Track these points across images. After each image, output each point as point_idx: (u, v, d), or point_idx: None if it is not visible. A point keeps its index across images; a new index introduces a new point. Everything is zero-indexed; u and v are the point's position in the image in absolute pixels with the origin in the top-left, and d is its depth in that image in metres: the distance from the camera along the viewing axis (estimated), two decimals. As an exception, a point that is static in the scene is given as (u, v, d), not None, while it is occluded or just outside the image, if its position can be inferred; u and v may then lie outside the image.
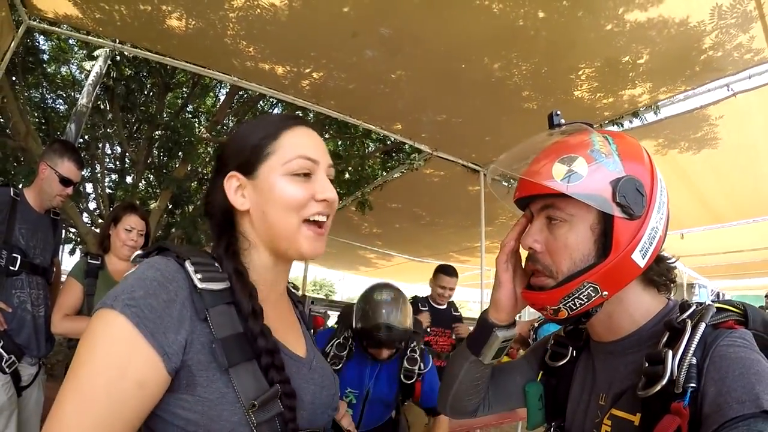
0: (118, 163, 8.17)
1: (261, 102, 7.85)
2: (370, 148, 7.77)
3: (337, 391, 1.08)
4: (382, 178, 6.96)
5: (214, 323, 0.81)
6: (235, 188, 0.94)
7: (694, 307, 0.89)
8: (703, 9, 2.71)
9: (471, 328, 1.20)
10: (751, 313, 0.89)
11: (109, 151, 7.95)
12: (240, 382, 0.79)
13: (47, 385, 2.81)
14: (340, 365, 2.48)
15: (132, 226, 2.79)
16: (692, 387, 0.77)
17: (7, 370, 2.44)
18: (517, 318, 1.13)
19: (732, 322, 0.86)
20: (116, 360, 0.73)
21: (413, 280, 15.92)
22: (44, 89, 7.14)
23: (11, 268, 2.50)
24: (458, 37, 3.16)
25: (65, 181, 2.66)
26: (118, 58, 5.89)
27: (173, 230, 7.26)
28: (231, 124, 8.20)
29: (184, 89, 7.84)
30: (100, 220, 6.86)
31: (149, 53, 3.84)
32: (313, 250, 0.94)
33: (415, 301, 4.58)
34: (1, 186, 2.67)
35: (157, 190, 7.54)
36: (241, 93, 7.22)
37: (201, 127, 7.41)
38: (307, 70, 3.81)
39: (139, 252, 0.91)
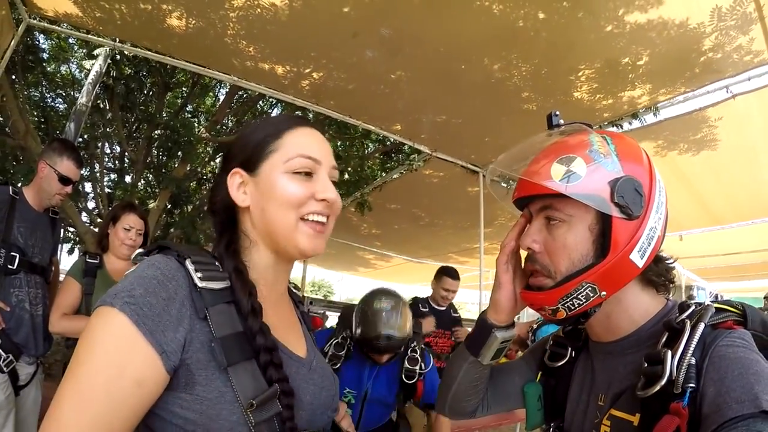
0: (117, 162, 8.17)
1: (260, 102, 7.86)
2: (369, 149, 7.78)
3: (336, 392, 1.08)
4: (382, 178, 6.96)
5: (214, 322, 0.81)
6: (237, 185, 0.95)
7: (693, 307, 0.88)
8: (702, 11, 2.71)
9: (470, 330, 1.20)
10: (750, 313, 0.88)
11: (108, 151, 7.95)
12: (239, 381, 0.79)
13: (45, 384, 2.80)
14: (339, 365, 2.48)
15: (131, 225, 2.79)
16: (691, 387, 0.77)
17: (4, 369, 2.44)
18: (516, 319, 1.13)
19: (731, 323, 0.86)
20: (115, 358, 0.73)
21: (412, 281, 15.91)
22: (44, 88, 7.14)
23: (10, 266, 2.49)
24: (458, 38, 3.16)
25: (64, 180, 2.65)
26: (118, 57, 5.89)
27: (172, 230, 7.26)
28: (230, 124, 8.21)
29: (183, 89, 7.85)
30: (98, 220, 6.85)
31: (149, 52, 3.84)
32: (313, 247, 0.94)
33: (416, 302, 4.58)
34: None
35: (156, 190, 7.55)
36: (240, 93, 7.23)
37: (200, 127, 7.42)
38: (307, 70, 3.81)
39: (140, 250, 0.92)
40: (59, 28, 4.03)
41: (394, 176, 6.55)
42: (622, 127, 4.19)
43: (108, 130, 7.05)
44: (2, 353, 2.44)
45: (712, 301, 0.93)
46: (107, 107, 6.81)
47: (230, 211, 0.98)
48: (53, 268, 2.86)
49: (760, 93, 3.42)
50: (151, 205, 6.75)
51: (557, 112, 1.02)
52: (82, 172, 2.88)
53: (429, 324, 4.26)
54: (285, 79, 3.97)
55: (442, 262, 10.11)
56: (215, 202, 0.98)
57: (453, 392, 1.21)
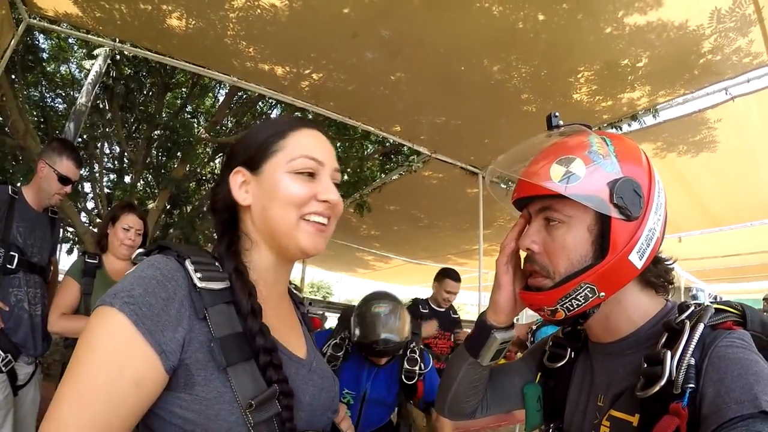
0: (116, 162, 8.16)
1: (260, 103, 7.86)
2: (368, 150, 7.78)
3: (337, 393, 1.08)
4: (381, 180, 6.97)
5: (213, 322, 0.81)
6: (239, 183, 0.95)
7: (692, 308, 0.89)
8: (702, 12, 2.72)
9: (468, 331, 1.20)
10: (750, 314, 0.89)
11: (107, 151, 7.94)
12: (238, 381, 0.79)
13: (43, 384, 2.80)
14: (337, 365, 2.48)
15: (130, 225, 2.78)
16: (691, 387, 0.77)
17: (3, 368, 2.43)
18: (515, 320, 1.13)
19: (730, 323, 0.86)
20: (114, 358, 0.73)
21: (411, 282, 15.93)
22: (43, 88, 7.13)
23: (9, 266, 2.49)
24: (458, 40, 3.16)
25: (64, 180, 2.65)
26: (118, 57, 5.90)
27: (171, 230, 7.26)
28: (230, 125, 8.21)
29: (183, 89, 7.85)
30: (98, 220, 6.85)
31: (149, 53, 3.84)
32: (314, 246, 0.94)
33: (416, 303, 4.59)
34: None
35: (156, 190, 7.54)
36: (240, 94, 7.23)
37: (200, 128, 7.42)
38: (307, 71, 3.81)
39: (140, 250, 0.92)
40: (59, 28, 4.04)
41: (394, 177, 6.55)
42: (621, 129, 4.20)
43: (107, 130, 7.05)
44: (1, 353, 2.43)
45: (711, 302, 0.93)
46: (107, 107, 6.81)
47: (231, 210, 0.98)
48: (52, 268, 2.86)
49: (759, 95, 3.43)
50: (151, 205, 6.74)
51: (557, 114, 1.02)
52: (81, 172, 2.88)
53: (431, 327, 4.27)
54: (285, 80, 3.97)
55: (441, 264, 10.11)
56: (217, 200, 0.99)
57: (452, 393, 1.21)
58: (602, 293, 0.90)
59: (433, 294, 4.61)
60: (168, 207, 7.32)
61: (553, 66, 3.40)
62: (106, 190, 7.39)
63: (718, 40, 2.90)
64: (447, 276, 4.49)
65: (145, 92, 7.24)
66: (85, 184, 7.20)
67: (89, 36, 3.89)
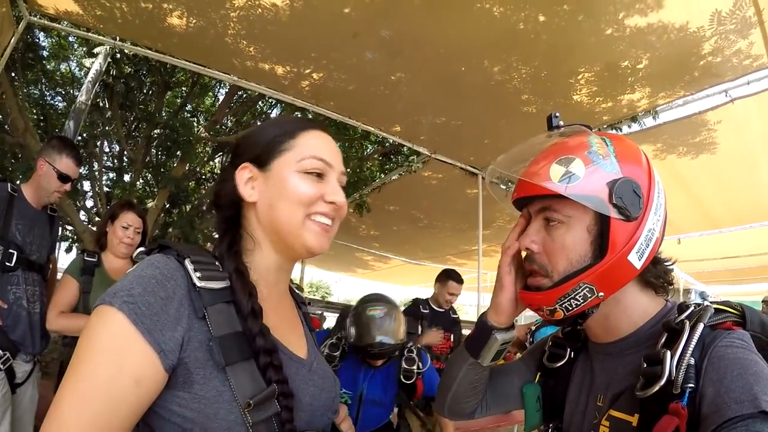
0: (116, 161, 8.15)
1: (260, 102, 7.85)
2: (368, 150, 7.78)
3: (337, 393, 1.07)
4: (381, 180, 6.97)
5: (212, 321, 0.81)
6: (245, 179, 0.95)
7: (692, 308, 0.89)
8: (702, 14, 2.72)
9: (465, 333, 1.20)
10: (749, 314, 0.89)
11: (107, 149, 7.92)
12: (237, 380, 0.79)
13: (41, 382, 2.79)
14: (337, 366, 2.49)
15: (129, 223, 2.78)
16: (690, 387, 0.77)
17: (1, 366, 2.43)
18: (514, 321, 1.13)
19: (730, 323, 0.87)
20: (114, 357, 0.73)
21: (410, 282, 15.93)
22: (43, 86, 7.12)
23: (7, 264, 2.49)
24: (458, 40, 3.16)
25: (63, 178, 2.65)
26: (118, 55, 5.89)
27: (170, 229, 7.25)
28: (230, 124, 8.20)
29: (183, 88, 7.85)
30: (97, 218, 6.84)
31: (149, 51, 3.84)
32: (319, 245, 0.94)
33: (416, 303, 4.61)
34: None
35: (155, 189, 7.53)
36: (240, 93, 7.23)
37: (200, 127, 7.41)
38: (307, 71, 3.81)
39: (141, 249, 0.92)
40: (59, 26, 4.03)
41: (393, 178, 6.55)
42: (621, 131, 4.20)
43: (107, 128, 7.03)
44: (-1, 351, 2.44)
45: (703, 299, 0.94)
46: (107, 106, 6.81)
47: (235, 206, 0.98)
48: (51, 266, 2.86)
49: (759, 97, 3.43)
50: (150, 204, 6.74)
51: (557, 114, 1.03)
52: (80, 170, 2.88)
53: (435, 337, 4.27)
54: (285, 80, 3.97)
55: (441, 264, 10.11)
56: (221, 196, 0.98)
57: (452, 393, 1.21)
58: (601, 293, 0.90)
59: (435, 294, 4.61)
60: (167, 206, 7.32)
61: (553, 67, 3.41)
62: (106, 189, 7.38)
63: (719, 42, 2.90)
64: (450, 278, 4.50)
65: (145, 91, 7.23)
66: (84, 182, 7.20)
67: (89, 34, 3.89)
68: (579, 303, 0.91)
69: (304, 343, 1.05)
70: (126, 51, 4.84)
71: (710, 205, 5.79)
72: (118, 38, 3.86)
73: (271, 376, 0.83)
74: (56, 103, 7.39)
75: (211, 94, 8.73)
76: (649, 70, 3.27)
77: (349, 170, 6.79)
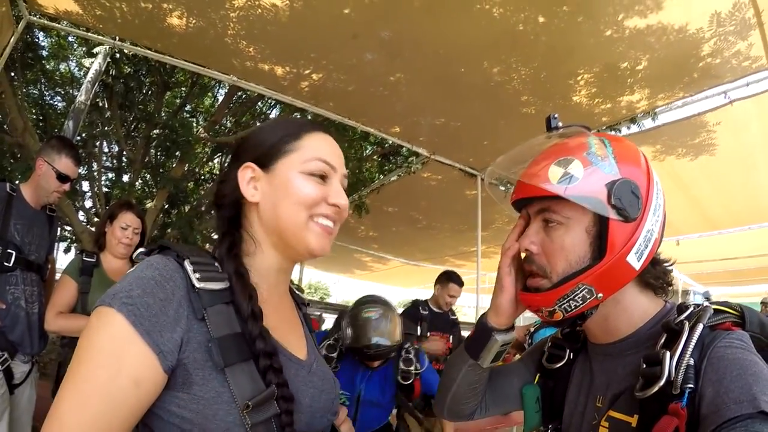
0: (115, 161, 8.14)
1: (259, 103, 7.84)
2: (367, 151, 7.77)
3: (337, 395, 1.07)
4: (380, 181, 6.97)
5: (211, 322, 0.81)
6: (248, 179, 0.95)
7: (691, 308, 0.89)
8: (702, 16, 2.73)
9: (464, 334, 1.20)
10: (748, 315, 0.89)
11: (106, 149, 7.91)
12: (236, 382, 0.79)
13: (39, 383, 2.79)
14: (337, 367, 2.49)
15: (127, 223, 2.78)
16: (690, 388, 0.77)
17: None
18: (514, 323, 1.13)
19: (729, 324, 0.87)
20: (113, 358, 0.73)
21: (408, 284, 15.92)
22: (43, 86, 7.11)
23: (6, 264, 2.48)
24: (458, 41, 3.17)
25: (62, 177, 2.64)
26: (118, 55, 5.88)
27: (169, 230, 7.24)
28: (229, 125, 8.19)
29: (182, 88, 7.84)
30: (95, 219, 6.83)
31: (149, 51, 3.84)
32: (321, 247, 0.94)
33: (416, 304, 4.60)
34: None
35: (154, 190, 7.52)
36: (239, 93, 7.22)
37: (199, 127, 7.40)
38: (307, 71, 3.81)
39: (142, 250, 0.91)
40: (59, 26, 4.03)
41: (392, 179, 6.56)
42: (620, 132, 4.21)
43: (106, 128, 7.02)
44: (-3, 351, 2.43)
45: (706, 298, 0.94)
46: (106, 106, 6.80)
47: (236, 206, 0.98)
48: (49, 266, 2.86)
49: (758, 99, 3.44)
50: (149, 204, 6.73)
51: (556, 115, 1.03)
52: (79, 170, 2.87)
53: (438, 345, 4.27)
54: (284, 80, 3.97)
55: (439, 265, 10.11)
56: (223, 195, 0.98)
57: (452, 394, 1.21)
58: (600, 294, 0.90)
59: (435, 296, 4.61)
60: (166, 206, 7.30)
61: (552, 68, 3.41)
62: (105, 189, 7.36)
63: (718, 43, 2.91)
64: (451, 280, 4.49)
65: (144, 91, 7.23)
66: (83, 182, 7.19)
67: (89, 34, 3.89)
68: (578, 304, 0.91)
69: (304, 344, 1.04)
70: (125, 51, 4.84)
71: (709, 206, 5.80)
72: (117, 38, 3.86)
73: (271, 379, 0.83)
74: (55, 102, 7.38)
75: (210, 94, 8.73)
76: (648, 72, 3.28)
77: (348, 171, 6.78)
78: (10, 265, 2.50)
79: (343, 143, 6.99)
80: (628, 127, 4.19)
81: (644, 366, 0.85)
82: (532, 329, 3.64)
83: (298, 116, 5.66)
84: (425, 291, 11.87)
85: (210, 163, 8.73)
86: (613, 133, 4.09)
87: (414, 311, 4.50)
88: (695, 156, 4.43)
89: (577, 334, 1.14)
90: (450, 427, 2.87)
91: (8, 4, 3.12)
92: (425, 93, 3.95)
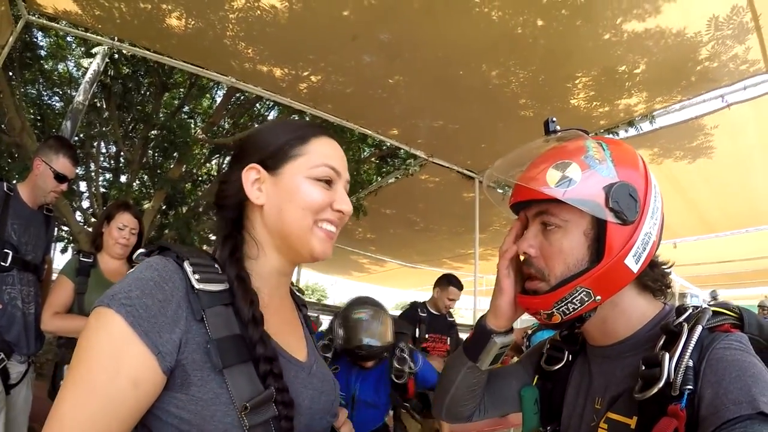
0: (112, 161, 8.12)
1: (258, 104, 7.84)
2: (365, 153, 7.77)
3: (337, 397, 1.07)
4: (377, 183, 6.97)
5: (210, 324, 0.81)
6: (252, 180, 0.94)
7: (690, 310, 0.89)
8: (700, 20, 2.74)
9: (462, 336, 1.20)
10: (747, 316, 0.90)
11: (103, 150, 7.89)
12: (234, 383, 0.79)
13: (36, 383, 2.78)
14: (334, 368, 2.49)
15: (125, 224, 2.77)
16: (689, 389, 0.77)
17: (-4, 367, 2.42)
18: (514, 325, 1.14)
19: (728, 326, 0.87)
20: (111, 359, 0.73)
21: (406, 285, 15.90)
22: (41, 85, 7.10)
23: (2, 263, 2.47)
24: (457, 44, 3.17)
25: (60, 177, 2.63)
26: (116, 56, 5.88)
27: (166, 231, 7.22)
28: (227, 126, 8.19)
29: (181, 89, 7.82)
30: (93, 219, 6.81)
31: (147, 52, 3.83)
32: (323, 251, 0.95)
33: (414, 306, 4.61)
34: None
35: (152, 191, 7.51)
36: (238, 95, 7.21)
37: (197, 128, 7.39)
38: (305, 73, 3.81)
39: (141, 251, 0.91)
40: (58, 26, 4.02)
41: (390, 181, 6.56)
42: (618, 135, 4.22)
43: (104, 129, 7.00)
44: (-7, 351, 2.43)
45: (710, 304, 0.94)
46: (104, 106, 6.79)
47: (239, 207, 0.97)
48: (46, 266, 2.85)
49: (756, 102, 3.45)
50: (146, 205, 6.71)
51: (554, 119, 1.03)
52: (77, 170, 2.87)
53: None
54: (283, 82, 3.97)
55: (437, 268, 10.12)
56: (226, 196, 0.97)
57: (451, 396, 1.21)
58: (598, 297, 0.90)
59: (433, 299, 4.60)
60: (164, 207, 7.28)
61: (551, 71, 3.42)
62: (102, 190, 7.34)
63: (716, 47, 2.92)
64: (451, 283, 4.50)
65: (142, 92, 7.21)
66: (80, 183, 7.17)
67: (88, 34, 3.88)
68: (576, 307, 0.92)
69: (303, 346, 1.04)
70: (124, 51, 4.85)
71: (706, 209, 5.81)
72: (116, 38, 3.85)
73: (271, 384, 0.82)
74: (53, 103, 7.37)
75: (208, 95, 8.72)
76: (646, 75, 3.29)
77: (347, 174, 6.77)
78: (7, 264, 2.49)
79: (341, 145, 6.98)
80: (626, 131, 4.20)
81: (643, 368, 0.85)
82: (529, 331, 3.64)
83: (296, 117, 5.66)
84: (422, 293, 11.87)
85: (208, 165, 8.72)
86: (610, 136, 4.10)
87: (412, 313, 4.50)
88: (693, 159, 4.45)
89: (575, 337, 1.14)
90: (447, 428, 2.87)
91: (7, 3, 3.11)
92: (424, 95, 3.95)
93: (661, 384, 0.79)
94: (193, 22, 3.24)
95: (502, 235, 1.08)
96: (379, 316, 2.50)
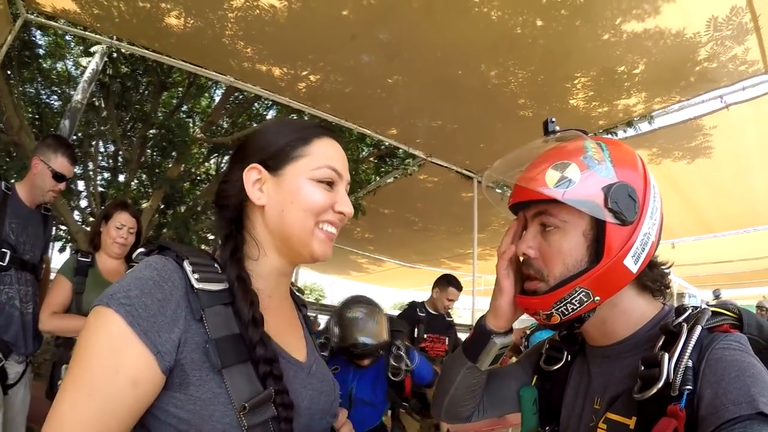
0: (110, 161, 8.09)
1: (256, 104, 7.83)
2: (363, 153, 7.77)
3: (337, 397, 1.07)
4: (376, 183, 6.96)
5: (209, 323, 0.81)
6: (253, 181, 0.94)
7: (689, 311, 0.89)
8: (699, 20, 2.74)
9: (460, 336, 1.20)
10: (746, 317, 0.90)
11: (102, 149, 7.87)
12: (233, 383, 0.78)
13: (33, 383, 2.77)
14: (333, 369, 2.50)
15: (122, 223, 2.76)
16: (688, 389, 0.77)
17: (-7, 367, 2.42)
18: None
19: (727, 326, 0.87)
20: (110, 358, 0.73)
21: (404, 285, 15.91)
22: (39, 84, 7.08)
23: (0, 263, 2.47)
24: (456, 44, 3.17)
25: (58, 176, 2.63)
26: (115, 55, 5.86)
27: (165, 230, 7.21)
28: (225, 126, 8.18)
29: (179, 89, 7.81)
30: (91, 219, 6.80)
31: (146, 51, 3.83)
32: (324, 253, 0.95)
33: (413, 306, 4.61)
34: None
35: (150, 190, 7.49)
36: (236, 94, 7.20)
37: (195, 128, 7.38)
38: (304, 73, 3.81)
39: (141, 250, 0.91)
40: (56, 24, 4.02)
41: (389, 181, 6.56)
42: (616, 135, 4.23)
43: (102, 128, 6.99)
44: (-9, 351, 2.42)
45: (709, 304, 0.94)
46: (102, 105, 6.76)
47: (239, 207, 0.97)
48: (44, 266, 2.84)
49: (755, 103, 3.46)
50: (144, 204, 6.70)
51: (553, 119, 1.03)
52: (75, 169, 2.86)
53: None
54: (282, 81, 3.97)
55: (435, 268, 10.12)
56: (228, 196, 0.97)
57: (450, 397, 1.21)
58: (597, 297, 0.90)
59: (432, 299, 4.60)
60: (162, 207, 7.27)
61: (550, 72, 3.42)
62: (100, 189, 7.33)
63: (715, 48, 2.92)
64: (450, 284, 4.49)
65: (141, 91, 7.19)
66: (78, 182, 7.15)
67: (86, 33, 3.87)
68: (575, 307, 0.92)
69: (303, 346, 1.04)
70: (123, 50, 4.83)
71: (705, 209, 5.82)
72: (115, 37, 3.85)
73: (271, 385, 0.82)
74: (52, 101, 7.35)
75: (207, 95, 8.70)
76: (645, 76, 3.29)
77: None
78: (5, 264, 2.49)
79: (340, 145, 7.00)
80: (625, 131, 4.21)
81: (642, 368, 0.85)
82: (528, 331, 3.64)
83: (294, 117, 5.66)
84: (421, 293, 11.88)
85: (206, 164, 8.70)
86: (609, 136, 4.10)
87: (411, 313, 4.50)
88: (691, 159, 4.45)
89: (574, 337, 1.14)
90: (445, 428, 2.88)
91: (5, 1, 3.10)
92: (423, 95, 3.95)
93: (660, 384, 0.79)
94: (191, 21, 3.24)
95: (500, 235, 1.08)
96: (374, 315, 2.53)
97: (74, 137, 6.10)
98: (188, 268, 0.83)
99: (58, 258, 6.41)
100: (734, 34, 2.79)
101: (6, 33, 3.28)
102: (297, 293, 1.18)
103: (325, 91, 4.05)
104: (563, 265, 0.93)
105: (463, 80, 3.60)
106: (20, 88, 6.50)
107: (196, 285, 0.82)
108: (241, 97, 7.43)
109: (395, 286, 17.20)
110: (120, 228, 2.75)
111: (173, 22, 3.24)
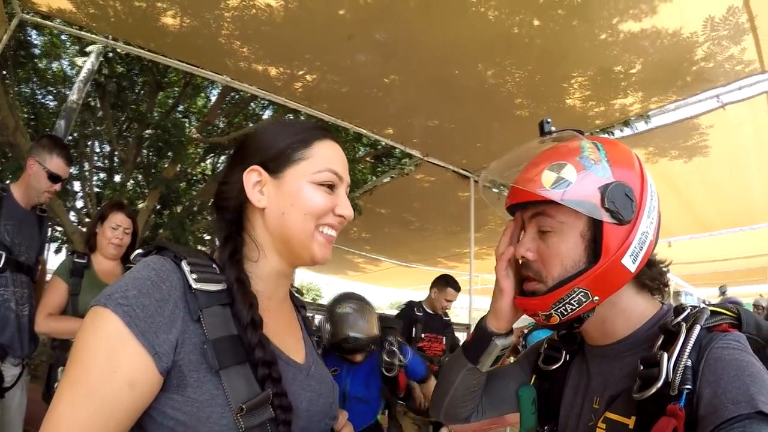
0: (106, 161, 8.07)
1: (252, 103, 7.82)
2: (360, 152, 7.77)
3: (336, 399, 1.06)
4: (372, 182, 6.97)
5: (207, 324, 0.80)
6: (254, 183, 0.93)
7: (688, 310, 0.89)
8: (696, 20, 2.75)
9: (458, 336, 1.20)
10: (745, 316, 0.90)
11: (98, 149, 7.85)
12: (230, 384, 0.78)
13: (30, 386, 2.76)
14: (333, 370, 2.52)
15: (118, 224, 2.74)
16: (688, 389, 0.77)
17: (-11, 370, 2.41)
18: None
19: (726, 326, 0.87)
20: (107, 359, 0.72)
21: (401, 285, 15.91)
22: (35, 84, 7.07)
23: (-5, 265, 2.46)
24: (453, 43, 3.17)
25: (53, 177, 2.62)
26: (111, 54, 5.85)
27: (161, 231, 7.20)
28: (222, 126, 8.17)
29: (175, 89, 7.80)
30: (87, 219, 6.78)
31: (142, 51, 3.82)
32: (324, 256, 0.95)
33: (411, 306, 4.62)
34: None
35: (146, 190, 7.48)
36: (232, 94, 7.20)
37: (191, 128, 7.38)
38: (301, 72, 3.80)
39: (139, 251, 0.90)
40: (52, 24, 4.00)
41: (385, 180, 6.56)
42: (613, 134, 4.23)
43: (98, 128, 6.98)
44: (-13, 354, 2.41)
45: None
46: (98, 105, 6.75)
47: (240, 208, 0.96)
48: (40, 268, 2.83)
49: (751, 102, 3.47)
50: (140, 205, 6.69)
51: (549, 120, 1.03)
52: (71, 170, 2.85)
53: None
54: (278, 81, 3.96)
55: (432, 267, 10.12)
56: (227, 197, 0.96)
57: (450, 398, 1.20)
58: (596, 297, 0.90)
59: (430, 299, 4.60)
60: (158, 207, 7.26)
61: (547, 71, 3.42)
62: (96, 189, 7.31)
63: (711, 47, 2.93)
64: (449, 285, 4.49)
65: (137, 91, 7.18)
66: (74, 182, 7.14)
67: (82, 33, 3.86)
68: (574, 308, 0.91)
69: (302, 348, 1.03)
70: (119, 50, 4.82)
71: (701, 208, 5.84)
72: (110, 37, 3.84)
73: (270, 388, 0.82)
74: (47, 101, 7.34)
75: (203, 94, 8.70)
76: (641, 75, 3.30)
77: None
78: (0, 266, 2.48)
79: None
80: (621, 130, 4.21)
81: (641, 367, 0.85)
82: (525, 331, 3.64)
83: (291, 117, 5.66)
84: (418, 292, 11.88)
85: (202, 164, 8.70)
86: (606, 136, 4.11)
87: (408, 312, 4.50)
88: (688, 159, 4.46)
89: (573, 336, 1.14)
90: (444, 428, 2.89)
91: (1, 1, 3.09)
92: (419, 95, 3.95)
93: (659, 384, 0.79)
94: (187, 21, 3.23)
95: (497, 234, 1.08)
96: (363, 310, 2.57)
97: (70, 137, 6.09)
98: (186, 268, 0.83)
99: (53, 259, 6.41)
100: (731, 34, 2.80)
101: (1, 32, 3.26)
102: (296, 295, 1.17)
103: (322, 90, 4.04)
104: (561, 267, 0.93)
105: (459, 80, 3.60)
106: (16, 88, 6.49)
107: (194, 285, 0.82)
108: (237, 97, 7.43)
109: (392, 286, 17.21)
110: (115, 229, 2.74)
111: (169, 22, 3.23)
